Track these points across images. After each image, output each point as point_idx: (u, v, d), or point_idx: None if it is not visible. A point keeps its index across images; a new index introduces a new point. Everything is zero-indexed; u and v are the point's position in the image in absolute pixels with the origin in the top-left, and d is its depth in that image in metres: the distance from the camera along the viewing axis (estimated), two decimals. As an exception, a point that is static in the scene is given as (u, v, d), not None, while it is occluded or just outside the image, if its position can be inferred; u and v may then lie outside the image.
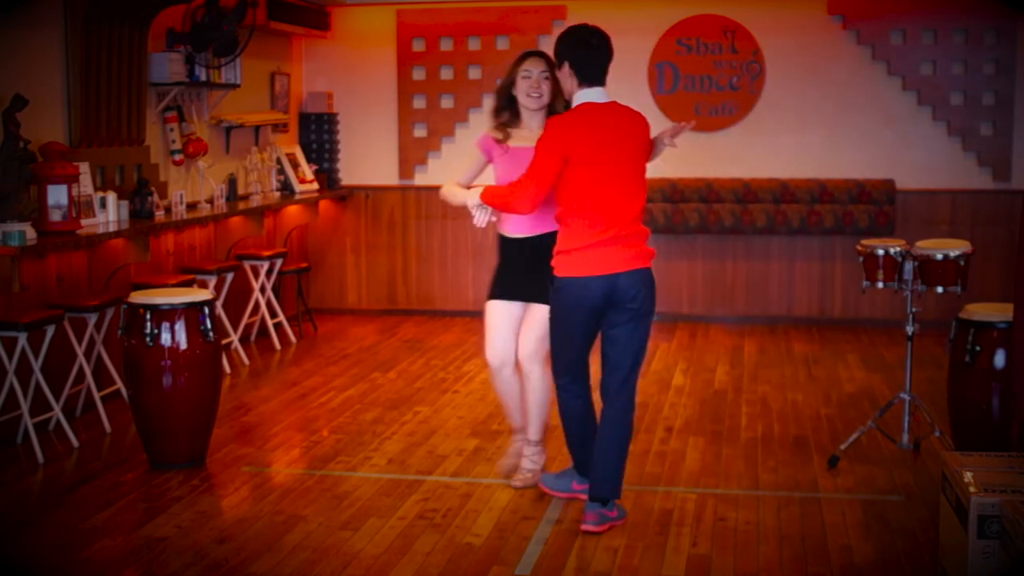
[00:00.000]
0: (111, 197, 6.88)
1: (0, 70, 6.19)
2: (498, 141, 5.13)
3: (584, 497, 4.90)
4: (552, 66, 5.03)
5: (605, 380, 4.81)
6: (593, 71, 4.73)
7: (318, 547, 4.54)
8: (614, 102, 4.76)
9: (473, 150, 5.23)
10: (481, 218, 4.91)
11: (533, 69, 5.06)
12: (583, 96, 4.72)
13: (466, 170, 5.25)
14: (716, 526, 4.79)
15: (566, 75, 4.76)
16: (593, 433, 4.93)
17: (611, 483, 4.76)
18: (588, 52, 4.72)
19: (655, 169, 9.22)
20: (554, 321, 4.86)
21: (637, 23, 9.33)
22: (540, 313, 5.04)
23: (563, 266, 4.73)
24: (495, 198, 4.83)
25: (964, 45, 8.98)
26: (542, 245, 4.96)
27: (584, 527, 4.70)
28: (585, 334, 4.80)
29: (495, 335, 5.17)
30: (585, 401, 4.98)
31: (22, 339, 5.65)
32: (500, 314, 5.17)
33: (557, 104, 5.08)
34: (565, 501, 5.04)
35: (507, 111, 5.16)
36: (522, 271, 5.09)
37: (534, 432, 5.27)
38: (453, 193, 5.12)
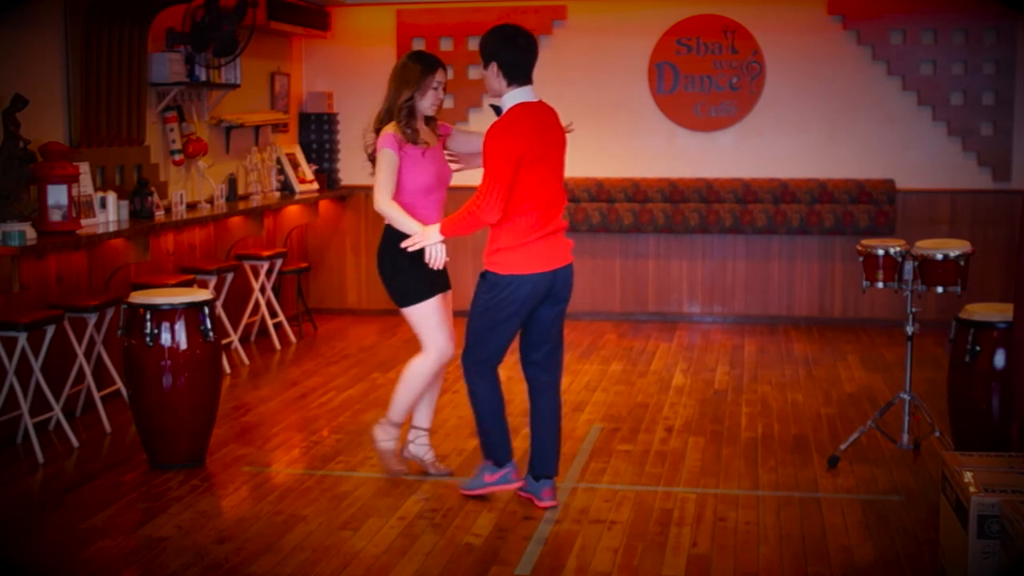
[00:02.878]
0: (111, 197, 6.88)
1: (0, 70, 6.19)
2: (402, 142, 5.05)
3: (498, 488, 5.06)
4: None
5: (541, 360, 5.01)
6: (521, 71, 4.81)
7: (318, 547, 4.54)
8: (542, 100, 4.89)
9: (387, 153, 5.03)
10: (441, 258, 4.91)
11: (442, 80, 5.15)
12: (516, 96, 4.79)
13: (390, 178, 5.04)
14: (716, 526, 4.79)
15: (493, 75, 4.82)
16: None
17: (557, 458, 5.08)
18: (515, 52, 4.79)
19: (654, 169, 9.30)
20: (485, 316, 4.91)
21: (637, 23, 9.33)
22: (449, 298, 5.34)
23: (507, 263, 4.83)
24: (460, 224, 4.85)
25: (964, 45, 8.98)
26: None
27: (545, 503, 4.97)
28: (517, 327, 4.95)
29: (447, 329, 5.21)
30: (499, 387, 5.09)
31: (22, 339, 5.65)
32: (440, 309, 5.20)
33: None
34: (566, 501, 5.05)
35: (410, 116, 5.11)
36: None
37: (429, 419, 5.48)
38: (403, 221, 4.98)
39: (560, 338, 5.06)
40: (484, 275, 4.92)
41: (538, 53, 4.88)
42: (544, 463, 5.01)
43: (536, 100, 4.85)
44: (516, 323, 4.91)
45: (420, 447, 5.42)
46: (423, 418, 5.43)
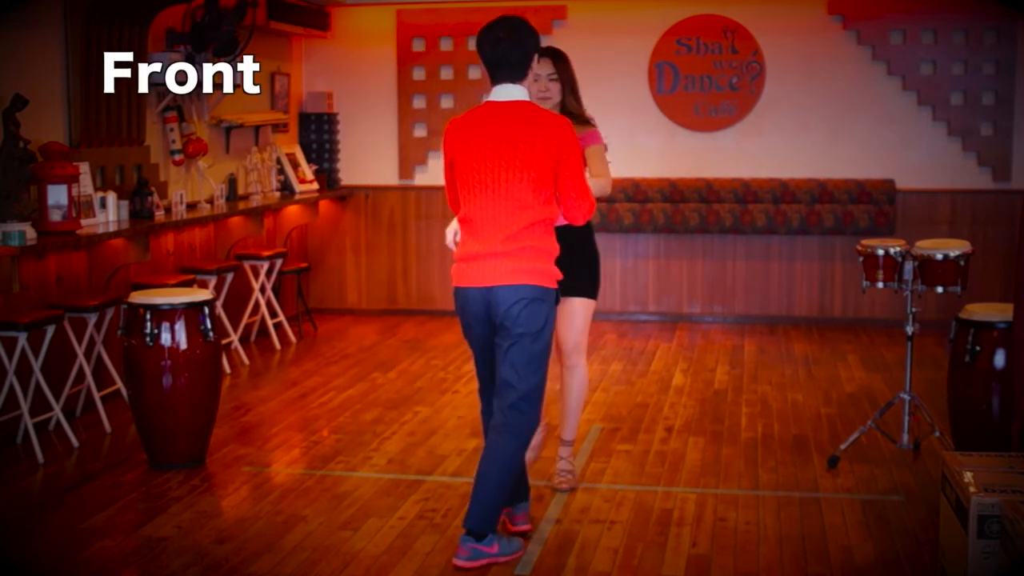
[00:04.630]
0: (111, 197, 6.88)
1: (0, 70, 6.19)
2: None
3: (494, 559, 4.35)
4: (558, 65, 5.02)
5: (497, 404, 4.36)
6: (497, 66, 4.33)
7: (318, 547, 4.54)
8: (521, 102, 4.32)
9: None
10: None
11: (542, 72, 5.02)
12: (490, 94, 4.38)
13: None
14: (716, 526, 4.79)
15: None
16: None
17: (486, 515, 4.27)
18: (491, 45, 4.32)
19: (654, 169, 9.30)
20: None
21: (637, 23, 9.33)
22: (577, 304, 5.05)
23: (453, 274, 4.40)
24: None
25: (964, 45, 8.98)
26: (568, 236, 4.70)
27: (456, 561, 4.28)
28: (474, 348, 4.44)
29: None
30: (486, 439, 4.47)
31: (22, 339, 5.65)
32: None
33: (568, 103, 5.07)
34: (566, 501, 5.06)
35: None
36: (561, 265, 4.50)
37: (570, 431, 5.25)
38: None
39: (512, 381, 4.27)
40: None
41: (527, 46, 4.38)
42: (470, 515, 4.29)
43: (512, 100, 4.32)
44: (472, 344, 4.42)
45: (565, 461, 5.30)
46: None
